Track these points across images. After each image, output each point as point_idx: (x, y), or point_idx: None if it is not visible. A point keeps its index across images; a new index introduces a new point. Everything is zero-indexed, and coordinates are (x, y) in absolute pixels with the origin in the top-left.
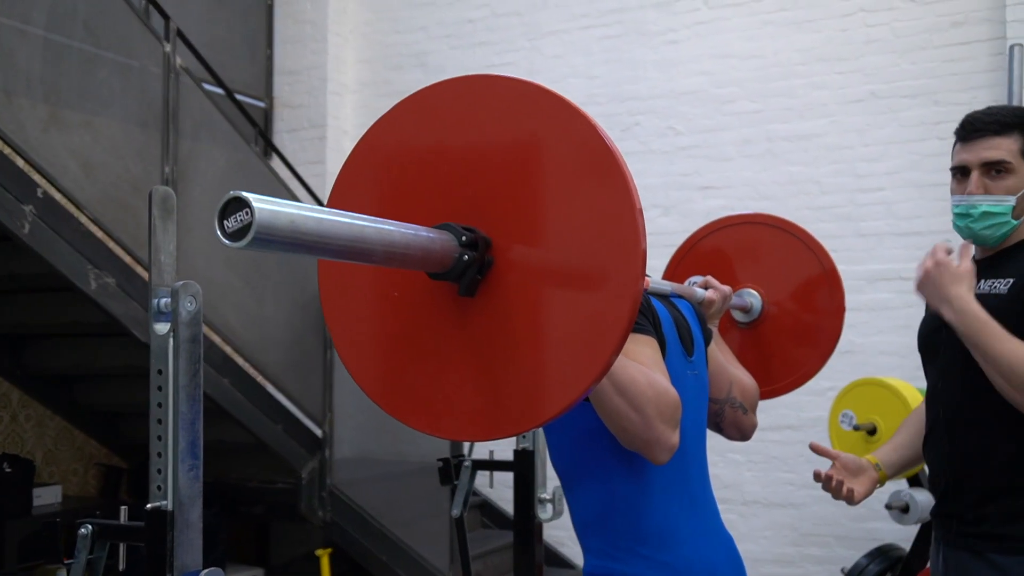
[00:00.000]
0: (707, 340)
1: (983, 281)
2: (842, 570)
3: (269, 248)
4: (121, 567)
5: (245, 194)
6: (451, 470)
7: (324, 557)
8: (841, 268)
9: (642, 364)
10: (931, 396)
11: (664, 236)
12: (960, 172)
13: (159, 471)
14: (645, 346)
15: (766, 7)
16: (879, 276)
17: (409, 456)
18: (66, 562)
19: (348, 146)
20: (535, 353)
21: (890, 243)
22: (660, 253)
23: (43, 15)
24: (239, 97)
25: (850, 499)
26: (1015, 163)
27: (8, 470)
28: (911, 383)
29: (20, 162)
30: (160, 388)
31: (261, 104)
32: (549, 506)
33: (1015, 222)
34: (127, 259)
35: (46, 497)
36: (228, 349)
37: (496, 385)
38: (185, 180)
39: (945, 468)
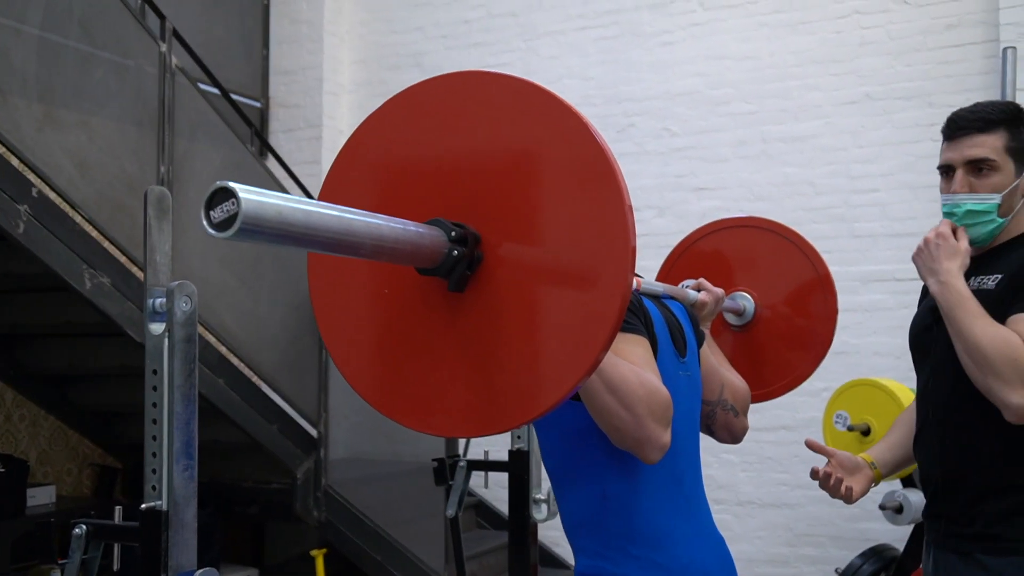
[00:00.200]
0: (699, 342)
1: (973, 278)
2: (836, 570)
3: (255, 239)
4: (115, 567)
5: (232, 184)
6: (446, 470)
7: (319, 557)
8: (835, 269)
9: (633, 363)
10: (921, 394)
11: (659, 237)
12: (946, 171)
13: (154, 471)
14: (636, 345)
15: (761, 9)
16: (873, 277)
17: (404, 456)
18: (60, 562)
19: None
20: (524, 349)
21: (884, 244)
22: (655, 254)
23: (38, 14)
24: (235, 97)
25: (848, 497)
26: (1000, 160)
27: (2, 470)
28: (905, 384)
29: (15, 161)
30: (155, 388)
31: (257, 104)
32: (544, 506)
33: (1001, 220)
34: (122, 259)
35: (40, 497)
36: (223, 349)
37: (485, 381)
38: (181, 180)
39: (935, 468)
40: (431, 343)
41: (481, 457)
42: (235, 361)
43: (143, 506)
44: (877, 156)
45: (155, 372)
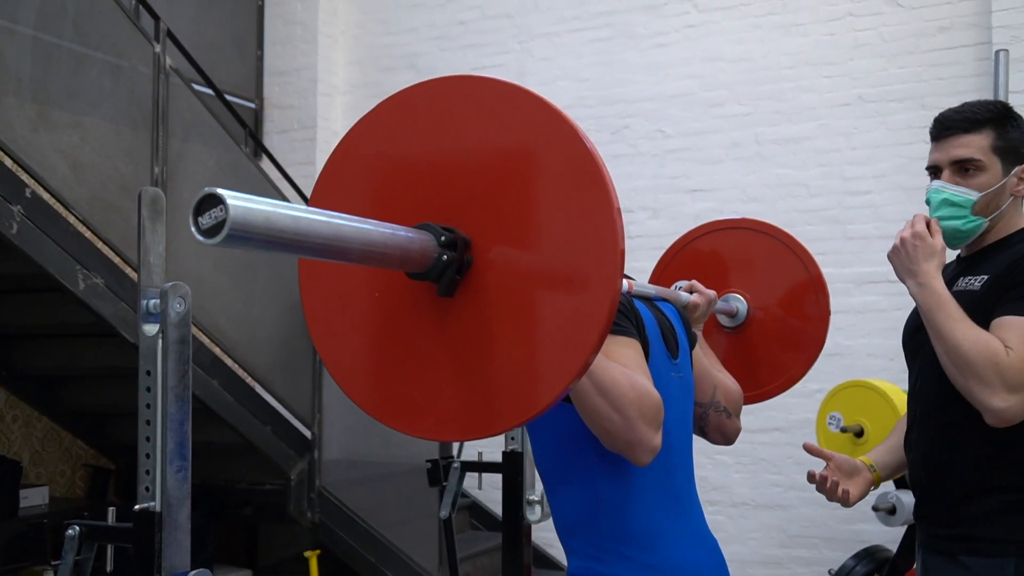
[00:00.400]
0: (692, 343)
1: (961, 279)
2: (829, 571)
3: (244, 245)
4: (109, 568)
5: (220, 190)
6: (440, 471)
7: (313, 558)
8: (828, 271)
9: (624, 366)
10: (911, 394)
11: (653, 239)
12: (934, 172)
13: (147, 472)
14: (627, 348)
15: (755, 11)
16: (866, 279)
17: (398, 457)
18: (53, 563)
19: None
20: (513, 353)
21: (877, 246)
22: (649, 255)
23: (32, 14)
24: (229, 98)
25: (845, 501)
26: (986, 160)
27: None
28: (898, 385)
29: (8, 162)
30: (149, 389)
31: (251, 105)
32: (537, 507)
33: (977, 219)
34: (116, 260)
35: (33, 498)
36: (217, 350)
37: (474, 385)
38: (174, 181)
39: (922, 468)
40: (421, 346)
41: (475, 458)
42: (229, 362)
43: (136, 507)
44: (870, 158)
45: (149, 373)
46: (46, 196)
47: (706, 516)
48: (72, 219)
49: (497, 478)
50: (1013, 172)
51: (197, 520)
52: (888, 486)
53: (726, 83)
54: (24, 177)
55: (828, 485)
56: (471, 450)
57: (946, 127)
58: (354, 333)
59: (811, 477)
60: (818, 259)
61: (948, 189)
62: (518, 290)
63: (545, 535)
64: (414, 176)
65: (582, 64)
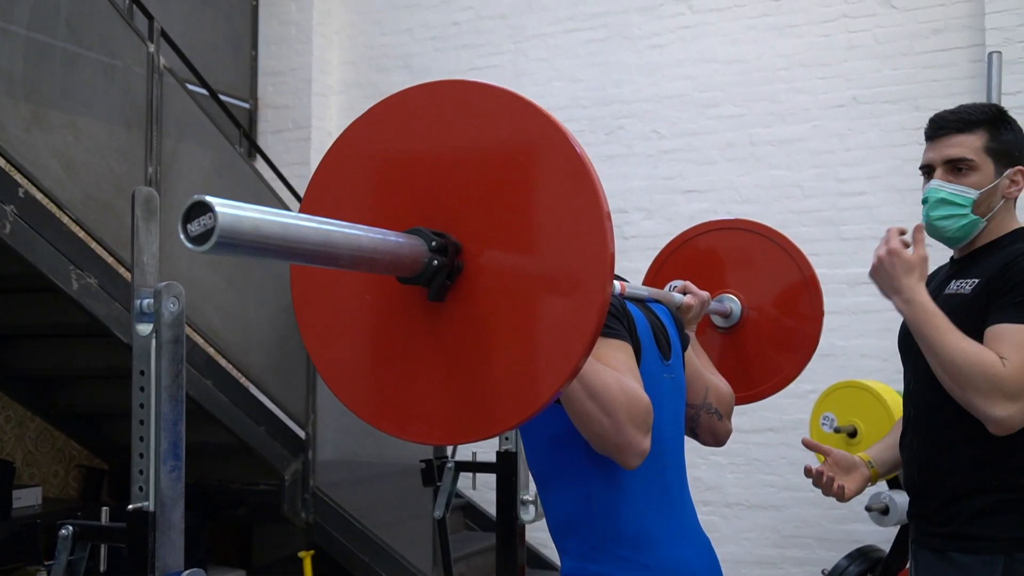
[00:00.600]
0: (684, 344)
1: (953, 282)
2: (823, 571)
3: (233, 252)
4: (102, 568)
5: (208, 198)
6: (434, 472)
7: (307, 559)
8: (822, 272)
9: (615, 369)
10: (906, 396)
11: (648, 239)
12: (927, 171)
13: (141, 472)
14: (618, 351)
15: (749, 12)
16: (860, 280)
17: (392, 458)
18: (46, 563)
19: None
20: (503, 358)
21: (871, 247)
22: (643, 256)
23: (25, 14)
24: (223, 98)
25: (840, 496)
26: (978, 160)
27: None
28: (892, 386)
29: (1, 162)
30: (142, 389)
31: (245, 105)
32: (532, 507)
33: (975, 217)
34: (109, 260)
35: (26, 499)
36: (211, 350)
37: (464, 390)
38: (168, 181)
39: (916, 468)
40: (411, 349)
41: (469, 459)
42: (223, 362)
43: (130, 507)
44: (864, 159)
45: (142, 373)
46: (39, 196)
47: (700, 516)
48: (66, 219)
49: (491, 478)
50: (1005, 174)
51: (191, 520)
52: (881, 486)
53: (721, 84)
54: (17, 177)
55: (824, 480)
56: (465, 450)
57: (940, 127)
58: (345, 336)
59: (808, 471)
60: (812, 260)
61: (946, 188)
62: (508, 295)
63: (539, 535)
64: (407, 180)
65: (577, 65)
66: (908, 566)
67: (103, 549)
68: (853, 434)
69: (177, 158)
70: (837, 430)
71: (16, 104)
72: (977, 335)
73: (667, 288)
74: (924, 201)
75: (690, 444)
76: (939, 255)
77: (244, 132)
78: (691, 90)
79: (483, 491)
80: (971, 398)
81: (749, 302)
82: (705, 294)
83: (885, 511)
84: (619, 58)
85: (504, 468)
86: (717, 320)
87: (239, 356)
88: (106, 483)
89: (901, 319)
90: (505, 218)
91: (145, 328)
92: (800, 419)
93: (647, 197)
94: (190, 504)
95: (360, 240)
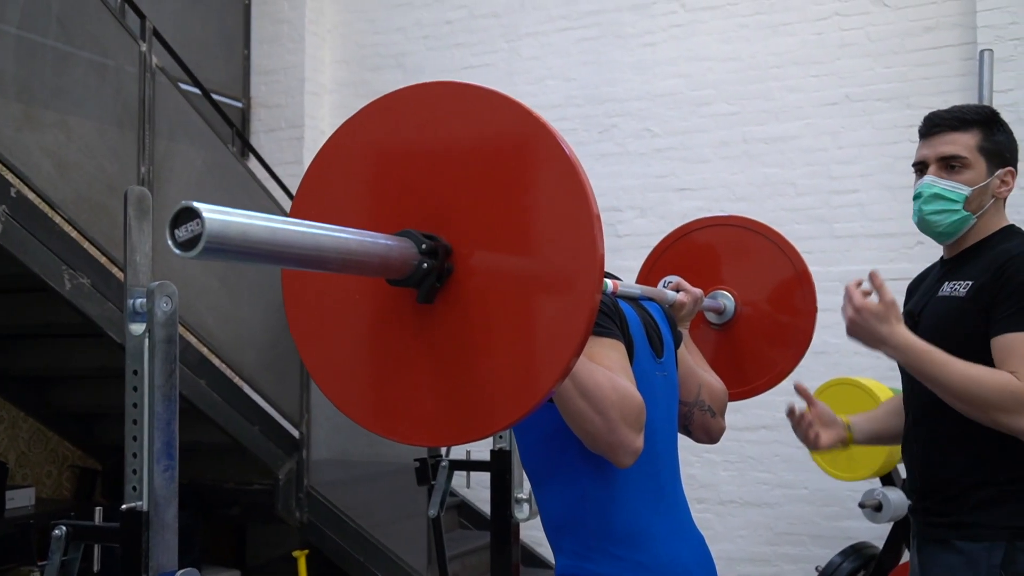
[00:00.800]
0: (677, 342)
1: (946, 283)
2: (816, 568)
3: (221, 258)
4: (96, 568)
5: (196, 204)
6: (428, 470)
7: (301, 558)
8: (815, 269)
9: (607, 367)
10: (906, 398)
11: (641, 237)
12: (920, 168)
13: (134, 471)
14: (610, 349)
15: (742, 10)
16: (853, 277)
17: (386, 457)
18: (40, 564)
19: None
20: (492, 360)
21: (864, 244)
22: (637, 254)
23: (16, 13)
24: (216, 97)
25: (815, 444)
26: (971, 158)
27: None
28: (884, 383)
29: None
30: (136, 389)
31: (238, 104)
32: (526, 506)
33: (966, 213)
34: (102, 259)
35: (19, 499)
36: (204, 350)
37: (453, 391)
38: (161, 180)
39: (918, 467)
40: (400, 350)
41: (463, 457)
42: (216, 362)
43: (123, 507)
44: (857, 157)
45: (135, 373)
46: (31, 196)
47: (694, 514)
48: (58, 219)
49: (485, 476)
50: (996, 174)
51: (184, 520)
52: (874, 483)
53: (714, 82)
54: (9, 177)
55: (803, 424)
56: (459, 449)
57: (935, 124)
58: (335, 336)
59: (791, 412)
60: (805, 257)
61: (939, 184)
62: (498, 297)
63: (533, 533)
64: (399, 181)
65: (570, 63)
66: (909, 562)
67: (97, 549)
68: None
69: (169, 157)
70: None
71: (7, 103)
72: (975, 338)
73: (660, 284)
74: (917, 196)
75: (684, 442)
76: (931, 252)
77: (237, 131)
78: (684, 88)
79: (477, 489)
80: (997, 418)
81: (742, 298)
82: (698, 291)
83: (878, 508)
84: (612, 56)
85: (498, 466)
86: (711, 316)
87: (233, 355)
88: (99, 483)
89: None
90: (496, 220)
91: (138, 328)
92: None
93: (640, 195)
94: (184, 504)
95: (349, 243)
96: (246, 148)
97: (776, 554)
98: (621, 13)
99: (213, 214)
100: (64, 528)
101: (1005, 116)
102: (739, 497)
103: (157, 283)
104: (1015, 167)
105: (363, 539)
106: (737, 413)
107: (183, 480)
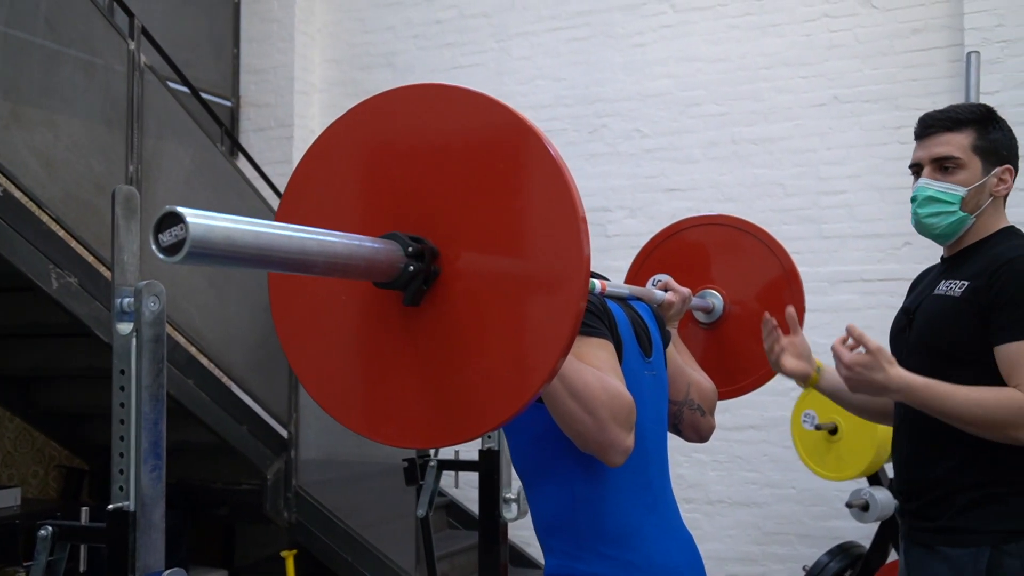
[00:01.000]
0: (665, 341)
1: (942, 282)
2: (804, 568)
3: (206, 262)
4: (82, 569)
5: (180, 209)
6: (416, 470)
7: (289, 558)
8: (804, 270)
9: (596, 367)
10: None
11: (630, 238)
12: (916, 170)
13: (121, 471)
14: (599, 349)
15: (732, 12)
16: (841, 278)
17: (375, 457)
18: (25, 564)
19: None
20: (480, 362)
21: (852, 245)
22: (626, 254)
23: (3, 10)
24: (205, 96)
25: (776, 361)
26: (965, 158)
27: None
28: None
29: None
30: (123, 388)
31: (227, 103)
32: (514, 506)
33: (963, 214)
34: (90, 258)
35: (5, 499)
36: (192, 349)
37: (439, 393)
38: (149, 179)
39: (906, 467)
40: (388, 353)
41: (451, 457)
42: (204, 361)
43: (110, 507)
44: (845, 158)
45: (123, 372)
46: (18, 195)
47: (682, 514)
48: (45, 218)
49: (474, 477)
50: (993, 172)
51: (172, 520)
52: (861, 483)
53: (703, 83)
54: None
55: (775, 337)
56: (447, 449)
57: (929, 126)
58: (322, 338)
59: (766, 321)
60: (793, 258)
61: (934, 186)
62: (485, 300)
63: (522, 533)
64: (386, 183)
65: (560, 63)
66: (898, 562)
67: (83, 550)
68: (834, 431)
69: (158, 156)
70: (818, 427)
71: None
72: (969, 338)
73: (649, 282)
74: (913, 199)
75: (672, 441)
76: (919, 253)
77: (226, 130)
78: (673, 89)
79: (466, 489)
80: (1014, 435)
81: (731, 297)
82: (686, 291)
83: (865, 507)
84: (602, 57)
85: (487, 466)
86: (699, 316)
87: (221, 355)
88: (86, 483)
89: (885, 317)
90: (482, 223)
91: (125, 327)
92: (782, 416)
93: (630, 195)
94: (171, 504)
95: (335, 247)
96: (235, 147)
97: (764, 554)
98: (611, 13)
99: (197, 219)
100: (50, 528)
101: None
102: (727, 497)
103: (145, 282)
104: (1014, 165)
105: (351, 539)
106: (725, 413)
107: (171, 480)
